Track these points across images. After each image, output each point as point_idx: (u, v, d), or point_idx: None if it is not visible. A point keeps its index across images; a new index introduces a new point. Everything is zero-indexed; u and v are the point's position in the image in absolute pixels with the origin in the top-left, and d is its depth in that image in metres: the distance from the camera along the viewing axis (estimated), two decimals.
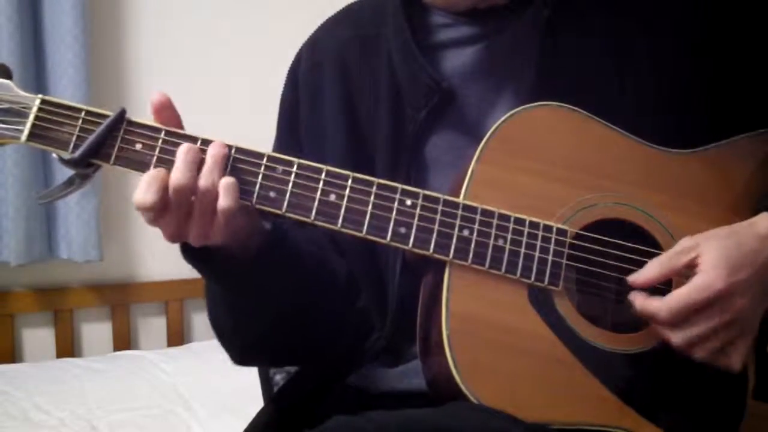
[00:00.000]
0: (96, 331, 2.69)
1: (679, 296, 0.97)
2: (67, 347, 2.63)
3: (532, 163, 1.03)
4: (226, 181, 0.96)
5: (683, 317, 0.97)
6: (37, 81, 2.44)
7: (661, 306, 0.97)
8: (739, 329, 0.98)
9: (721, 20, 1.11)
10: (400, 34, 1.13)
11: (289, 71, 1.25)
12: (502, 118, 1.03)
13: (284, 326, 1.12)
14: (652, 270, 1.00)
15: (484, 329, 0.99)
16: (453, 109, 1.12)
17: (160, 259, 2.67)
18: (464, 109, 1.12)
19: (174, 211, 0.96)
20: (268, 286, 1.06)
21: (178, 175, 0.95)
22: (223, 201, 0.95)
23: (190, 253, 1.03)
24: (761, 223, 1.01)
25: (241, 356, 1.17)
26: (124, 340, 2.70)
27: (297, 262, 1.10)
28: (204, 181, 0.95)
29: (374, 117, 1.14)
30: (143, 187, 0.95)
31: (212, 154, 0.97)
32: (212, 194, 0.96)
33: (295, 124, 1.21)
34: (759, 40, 1.11)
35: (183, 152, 0.96)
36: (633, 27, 1.10)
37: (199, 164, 0.96)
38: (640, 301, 0.99)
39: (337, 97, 1.17)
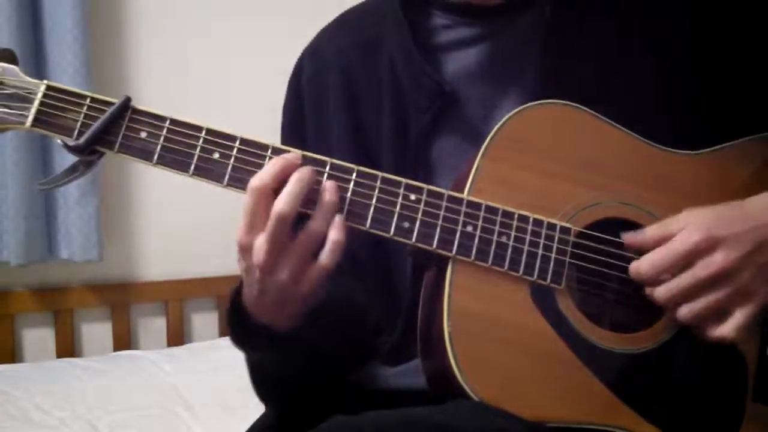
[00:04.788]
0: (96, 331, 2.69)
1: (658, 251, 0.98)
2: (67, 347, 2.63)
3: (538, 161, 1.03)
4: (336, 238, 0.96)
5: (664, 271, 0.97)
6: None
7: (641, 262, 0.99)
8: (733, 292, 0.97)
9: (722, 21, 1.11)
10: (401, 37, 1.13)
11: (290, 80, 1.25)
12: (509, 115, 1.03)
13: (324, 376, 1.13)
14: (648, 232, 1.00)
15: (485, 326, 0.99)
16: (457, 111, 1.12)
17: (160, 259, 2.67)
18: (468, 111, 1.12)
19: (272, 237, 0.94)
20: (316, 351, 1.06)
21: (287, 200, 0.94)
22: (325, 257, 0.96)
23: (241, 335, 1.03)
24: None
25: (281, 407, 1.17)
26: (124, 340, 2.70)
27: (339, 319, 1.08)
28: (316, 223, 0.96)
29: (378, 121, 1.14)
30: (268, 166, 0.96)
31: (329, 189, 0.96)
32: (319, 238, 0.95)
33: (301, 132, 1.21)
34: (760, 40, 1.11)
35: (299, 177, 0.95)
36: (634, 27, 1.10)
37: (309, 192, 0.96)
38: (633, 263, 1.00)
39: (341, 103, 1.17)
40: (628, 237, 1.01)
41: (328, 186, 0.97)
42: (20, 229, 2.42)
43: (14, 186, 2.40)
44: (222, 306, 2.65)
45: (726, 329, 0.97)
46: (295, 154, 0.98)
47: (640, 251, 1.00)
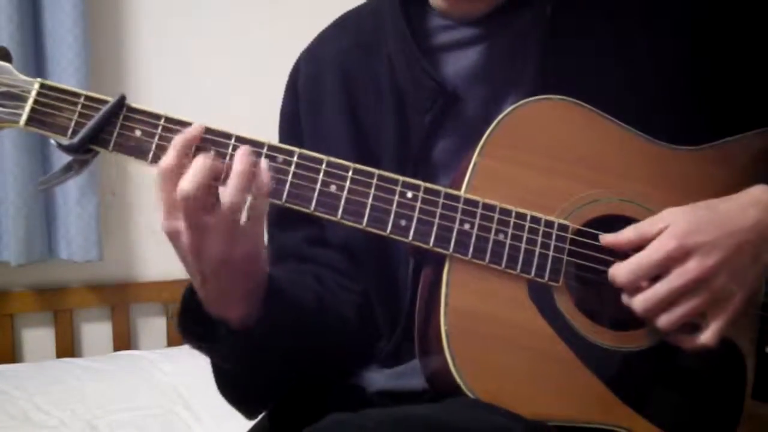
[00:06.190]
0: (96, 331, 2.68)
1: (633, 259, 0.97)
2: (67, 347, 2.62)
3: (535, 157, 1.02)
4: (254, 203, 0.94)
5: (640, 280, 0.97)
6: None
7: (618, 269, 0.98)
8: (710, 298, 0.97)
9: (721, 19, 1.11)
10: (400, 38, 1.13)
11: (287, 83, 1.25)
12: (506, 111, 1.03)
13: (291, 376, 1.13)
14: (625, 233, 1.00)
15: (482, 325, 0.99)
16: (458, 111, 1.12)
17: (160, 259, 2.66)
18: (469, 111, 1.12)
19: (193, 213, 0.92)
20: (274, 346, 1.04)
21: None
22: (245, 217, 0.93)
23: (194, 333, 1.02)
24: (751, 191, 1.01)
25: (253, 412, 1.18)
26: (124, 340, 2.69)
27: (297, 315, 1.07)
28: (229, 193, 0.93)
29: (379, 124, 1.14)
30: (191, 172, 0.92)
31: (237, 158, 0.94)
32: (237, 207, 0.93)
33: (297, 135, 1.20)
34: (759, 38, 1.12)
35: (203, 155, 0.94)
36: (633, 26, 1.10)
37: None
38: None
39: (340, 105, 1.17)
40: (605, 238, 1.01)
41: (237, 155, 0.95)
42: (20, 229, 2.42)
43: (14, 186, 2.40)
44: None
45: (706, 336, 0.97)
46: (197, 126, 0.96)
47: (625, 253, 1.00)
